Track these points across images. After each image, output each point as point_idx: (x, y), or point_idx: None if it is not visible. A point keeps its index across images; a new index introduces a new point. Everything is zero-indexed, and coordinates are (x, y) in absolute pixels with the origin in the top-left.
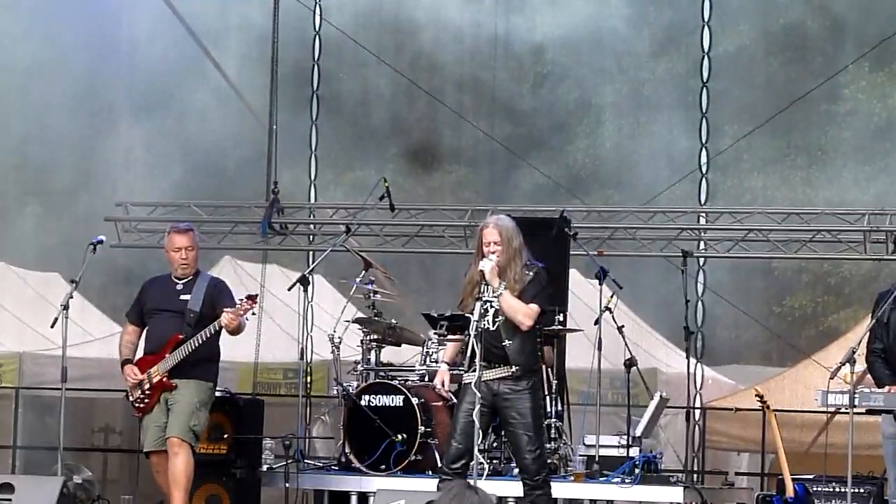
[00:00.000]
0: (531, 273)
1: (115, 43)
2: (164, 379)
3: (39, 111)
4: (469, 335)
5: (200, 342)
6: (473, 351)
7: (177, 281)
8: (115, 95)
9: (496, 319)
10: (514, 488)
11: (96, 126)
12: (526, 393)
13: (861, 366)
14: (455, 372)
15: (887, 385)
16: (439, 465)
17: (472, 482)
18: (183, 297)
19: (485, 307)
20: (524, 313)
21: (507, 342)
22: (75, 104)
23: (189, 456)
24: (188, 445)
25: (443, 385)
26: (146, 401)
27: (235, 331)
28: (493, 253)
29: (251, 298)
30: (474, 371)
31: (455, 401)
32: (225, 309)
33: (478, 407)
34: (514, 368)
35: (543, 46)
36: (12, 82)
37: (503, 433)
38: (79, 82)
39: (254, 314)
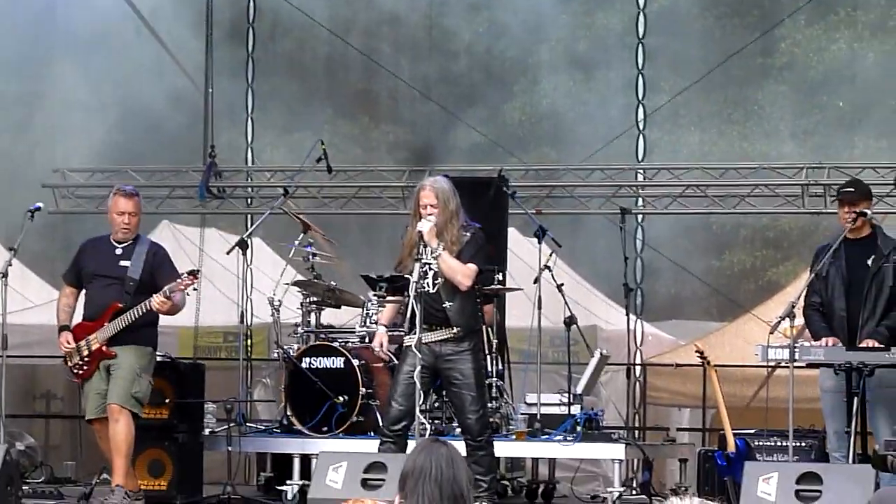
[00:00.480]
0: (468, 234)
1: (49, 6)
2: (104, 348)
3: None
4: (408, 297)
5: (139, 314)
6: (413, 312)
7: (116, 245)
8: (49, 60)
9: (436, 282)
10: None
11: (30, 90)
12: (468, 353)
13: (800, 320)
14: (394, 333)
15: (824, 338)
16: (381, 426)
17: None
18: (122, 262)
19: (424, 269)
20: (463, 273)
21: (447, 304)
22: (5, 69)
23: (129, 422)
24: (128, 412)
25: (381, 346)
26: (84, 367)
27: (170, 312)
28: (430, 215)
29: (192, 274)
30: (415, 333)
31: (395, 362)
32: (162, 291)
33: (418, 368)
34: (455, 330)
35: (479, 5)
36: None
37: (445, 394)
38: (9, 46)
39: (195, 290)
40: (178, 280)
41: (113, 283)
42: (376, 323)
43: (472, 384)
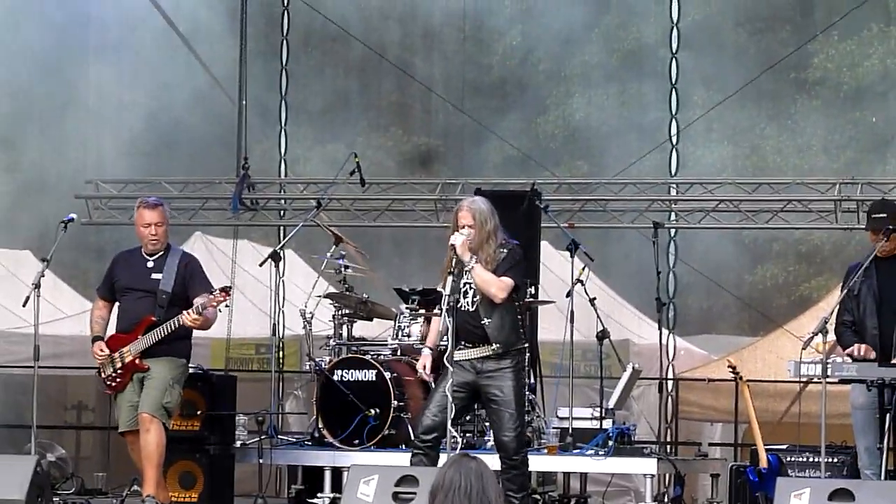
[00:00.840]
0: (505, 250)
1: (83, 18)
2: (137, 360)
3: (2, 88)
4: (441, 310)
5: (172, 329)
6: (447, 326)
7: (147, 258)
8: (84, 71)
9: (475, 299)
10: (488, 462)
11: (64, 101)
12: (509, 371)
13: (832, 336)
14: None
15: (855, 344)
16: (413, 436)
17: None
18: (154, 275)
19: (464, 287)
20: (497, 286)
21: (486, 320)
22: (41, 79)
23: (160, 432)
24: (159, 421)
25: (424, 369)
26: (118, 379)
27: (202, 327)
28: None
29: (225, 291)
30: (457, 349)
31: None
32: (192, 306)
33: (450, 381)
34: (494, 346)
35: (513, 18)
36: None
37: (479, 408)
38: (47, 59)
39: (227, 306)
40: (211, 296)
41: (146, 296)
42: (409, 335)
43: (511, 402)
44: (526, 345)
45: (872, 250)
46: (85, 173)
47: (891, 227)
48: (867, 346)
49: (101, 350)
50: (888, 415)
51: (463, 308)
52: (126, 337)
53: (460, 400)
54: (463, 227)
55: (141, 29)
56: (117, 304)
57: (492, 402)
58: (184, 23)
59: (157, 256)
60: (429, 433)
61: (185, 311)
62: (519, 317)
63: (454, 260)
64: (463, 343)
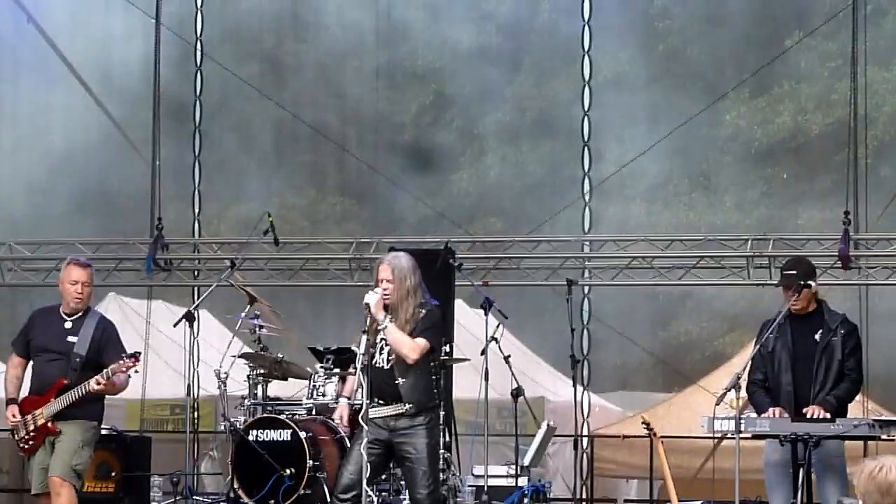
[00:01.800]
0: (423, 311)
1: None
2: (49, 424)
3: None
4: (356, 369)
5: (83, 393)
6: (360, 385)
7: (66, 317)
8: None
9: (390, 358)
10: None
11: None
12: (422, 428)
13: (745, 392)
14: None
15: (770, 408)
16: (328, 498)
17: None
18: (70, 338)
19: (380, 344)
20: (410, 347)
21: (400, 380)
22: None
23: (72, 495)
24: (69, 484)
25: (341, 420)
26: (31, 442)
27: (111, 393)
28: (385, 290)
29: (133, 357)
30: (371, 406)
31: (347, 438)
32: (104, 373)
33: (364, 441)
34: (407, 406)
35: (425, 77)
36: None
37: (394, 466)
38: None
39: (136, 372)
40: (120, 362)
41: (59, 359)
42: (323, 395)
43: (424, 459)
44: (439, 402)
45: (785, 306)
46: None
47: (801, 283)
48: (780, 409)
49: (14, 415)
50: (801, 470)
51: (378, 365)
52: (38, 399)
53: (376, 457)
54: (381, 281)
55: (54, 88)
56: (31, 363)
57: (406, 459)
58: (97, 83)
59: (75, 318)
60: (347, 492)
61: (94, 377)
62: (434, 377)
63: (368, 318)
64: (377, 400)
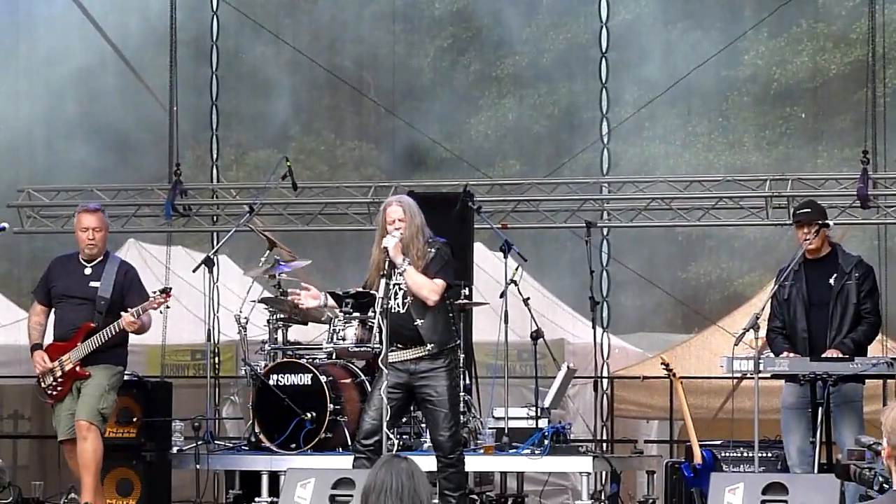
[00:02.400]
0: (433, 249)
1: (13, 23)
2: (78, 368)
3: None
4: (375, 314)
5: (112, 334)
6: (381, 330)
7: (85, 264)
8: (15, 78)
9: (406, 300)
10: (424, 463)
11: None
12: (443, 371)
13: (764, 331)
14: (362, 349)
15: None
16: (349, 442)
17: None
18: (92, 283)
19: (393, 289)
20: (430, 288)
21: (418, 322)
22: None
23: (98, 439)
24: (96, 429)
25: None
26: (59, 388)
27: (139, 331)
28: (397, 230)
29: (165, 292)
30: (391, 350)
31: (362, 377)
32: (128, 309)
33: (384, 384)
34: (429, 346)
35: (442, 20)
36: None
37: (415, 409)
38: None
39: (168, 307)
40: (151, 298)
41: (83, 304)
42: (343, 339)
43: (445, 401)
44: (459, 343)
45: (800, 250)
46: (16, 182)
47: (821, 223)
48: (797, 355)
49: (44, 361)
50: (820, 409)
51: (394, 310)
52: (65, 345)
53: (396, 401)
54: (393, 222)
55: (70, 36)
56: (53, 310)
57: (427, 402)
58: (114, 30)
59: (94, 263)
60: (369, 437)
61: (123, 314)
62: (451, 315)
63: (387, 262)
64: (396, 345)
